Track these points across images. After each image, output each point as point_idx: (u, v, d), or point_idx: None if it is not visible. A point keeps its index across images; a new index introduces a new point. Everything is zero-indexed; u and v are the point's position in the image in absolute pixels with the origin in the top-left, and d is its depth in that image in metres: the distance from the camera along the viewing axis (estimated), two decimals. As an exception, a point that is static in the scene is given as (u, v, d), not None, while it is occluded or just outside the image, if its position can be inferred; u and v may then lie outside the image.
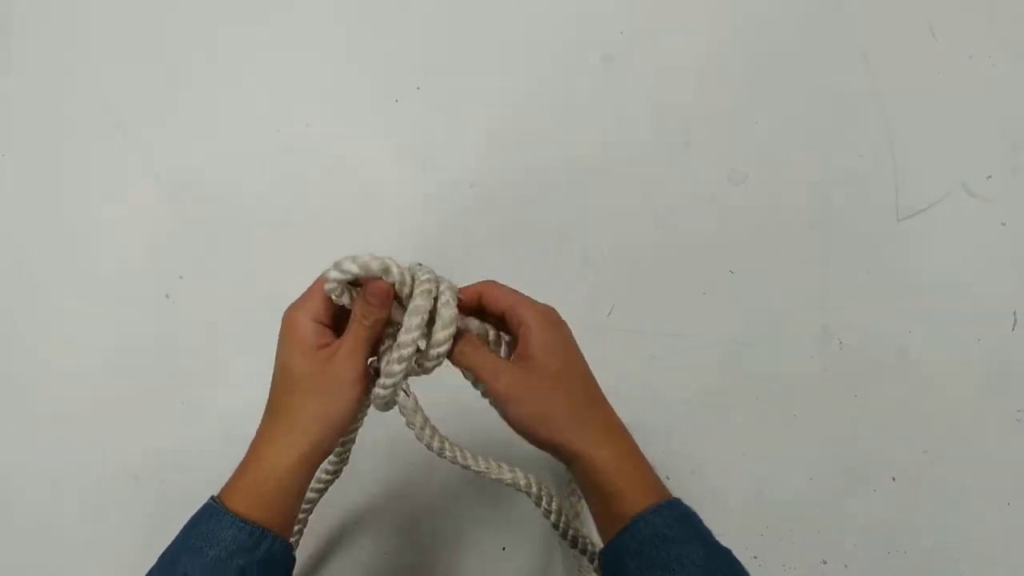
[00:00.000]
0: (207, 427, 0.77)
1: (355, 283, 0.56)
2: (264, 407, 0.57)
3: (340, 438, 0.59)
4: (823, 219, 0.81)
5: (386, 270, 0.55)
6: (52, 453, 0.77)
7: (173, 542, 0.54)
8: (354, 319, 0.56)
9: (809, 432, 0.77)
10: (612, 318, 0.80)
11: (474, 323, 0.60)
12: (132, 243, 0.83)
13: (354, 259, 0.54)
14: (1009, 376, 0.78)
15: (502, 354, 0.60)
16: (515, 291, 0.60)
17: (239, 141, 0.84)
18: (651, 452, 0.76)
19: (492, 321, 0.60)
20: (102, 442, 0.77)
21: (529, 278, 0.80)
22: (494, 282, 0.61)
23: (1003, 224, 0.81)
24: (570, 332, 0.60)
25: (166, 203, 0.83)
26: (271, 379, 0.56)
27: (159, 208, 0.83)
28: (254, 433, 0.56)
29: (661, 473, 0.76)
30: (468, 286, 0.60)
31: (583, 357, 0.60)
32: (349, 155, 0.84)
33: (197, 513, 0.54)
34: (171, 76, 0.86)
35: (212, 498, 0.54)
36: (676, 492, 0.75)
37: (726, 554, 0.55)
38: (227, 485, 0.55)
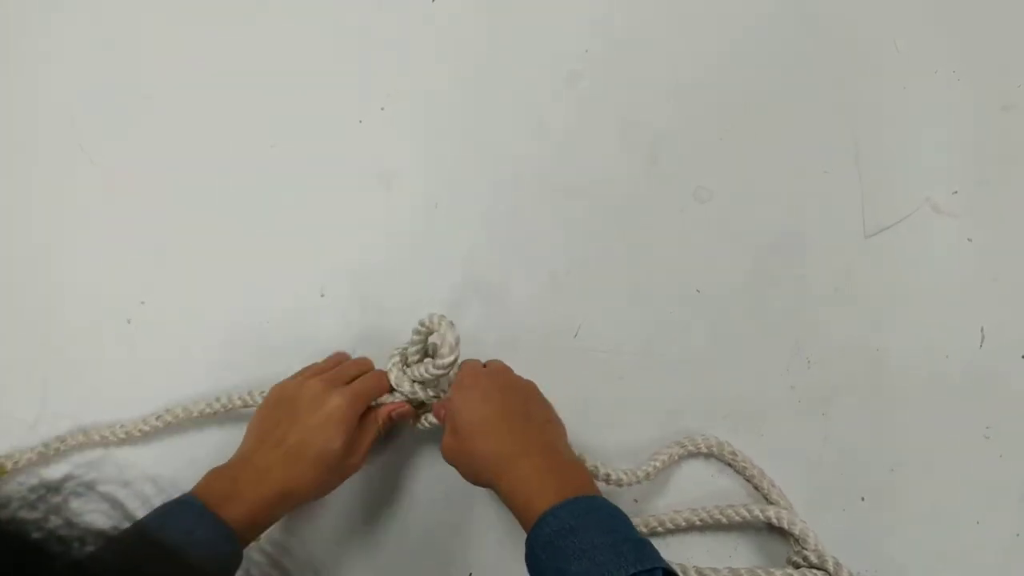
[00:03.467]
0: (181, 450, 0.77)
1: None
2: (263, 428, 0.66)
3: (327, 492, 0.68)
4: (790, 236, 0.81)
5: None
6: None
7: (148, 516, 0.56)
8: (379, 429, 0.70)
9: (778, 452, 0.77)
10: (579, 338, 0.79)
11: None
12: (93, 267, 0.82)
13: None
14: (978, 393, 0.77)
15: None
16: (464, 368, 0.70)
17: (203, 163, 0.84)
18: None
19: None
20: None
21: (496, 299, 0.80)
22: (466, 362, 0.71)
23: (969, 240, 0.81)
24: (489, 383, 0.67)
25: (128, 227, 0.82)
26: (297, 426, 0.65)
27: (121, 232, 0.82)
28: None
29: (628, 494, 0.76)
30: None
31: (506, 400, 0.66)
32: (313, 176, 0.83)
33: (174, 502, 0.58)
34: (134, 97, 0.85)
35: (188, 494, 0.59)
36: (644, 511, 0.75)
37: (637, 543, 0.56)
38: (212, 487, 0.60)
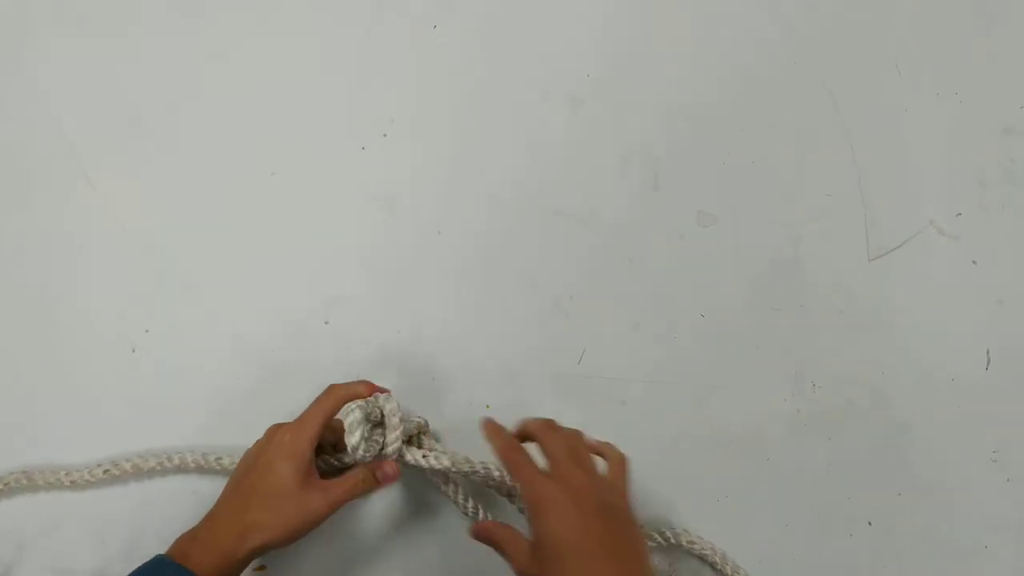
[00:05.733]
0: (172, 482, 0.77)
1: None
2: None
3: (295, 539, 0.65)
4: (793, 260, 0.81)
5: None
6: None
7: None
8: (357, 483, 0.68)
9: (783, 476, 0.77)
10: (583, 364, 0.79)
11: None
12: (97, 295, 0.82)
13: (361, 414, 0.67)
14: (984, 416, 0.77)
15: None
16: (527, 466, 0.61)
17: (204, 191, 0.84)
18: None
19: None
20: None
21: (499, 325, 0.80)
22: (514, 450, 0.63)
23: (974, 262, 0.80)
24: (588, 502, 0.59)
25: (132, 255, 0.82)
26: (249, 468, 0.66)
27: (125, 260, 0.82)
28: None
29: (634, 522, 0.76)
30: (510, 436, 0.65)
31: (604, 526, 0.58)
32: (315, 203, 0.83)
33: (146, 565, 0.60)
34: (135, 125, 0.85)
35: (160, 555, 0.60)
36: (649, 538, 0.74)
37: None
38: (178, 546, 0.62)
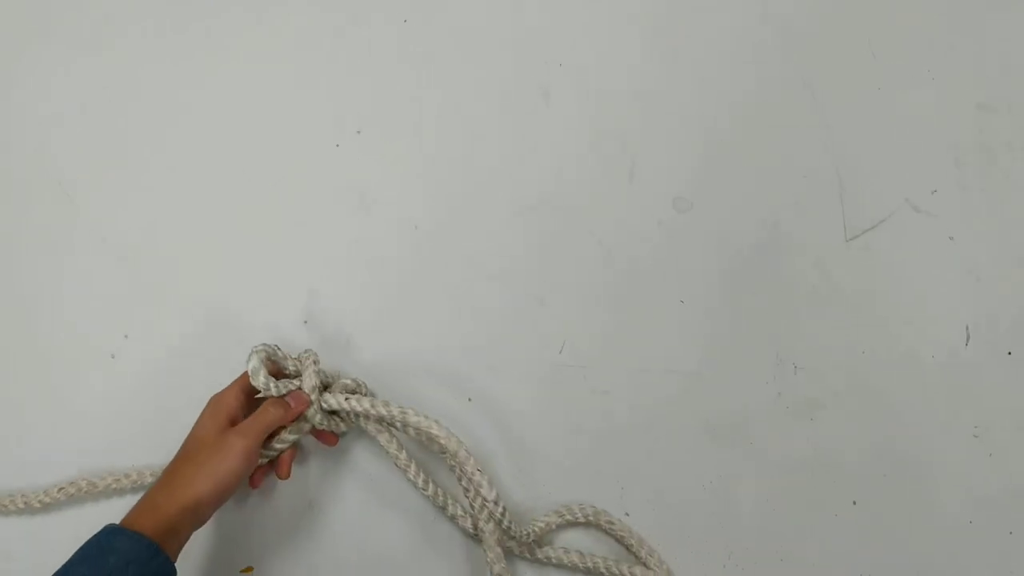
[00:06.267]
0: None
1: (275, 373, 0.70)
2: None
3: (225, 496, 0.66)
4: (771, 243, 0.81)
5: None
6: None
7: (68, 560, 0.60)
8: (264, 408, 0.69)
9: (767, 459, 0.77)
10: (564, 354, 0.79)
11: None
12: (77, 303, 0.81)
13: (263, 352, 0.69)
14: (965, 392, 0.77)
15: None
16: None
17: (181, 197, 0.84)
18: (609, 487, 0.76)
19: None
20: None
21: (479, 318, 0.80)
22: None
23: (951, 239, 0.80)
24: None
25: (111, 263, 0.82)
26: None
27: (104, 269, 0.82)
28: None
29: (619, 508, 0.76)
30: None
31: None
32: (291, 202, 0.83)
33: (94, 535, 0.62)
34: (110, 132, 0.85)
35: (110, 523, 0.62)
36: (636, 525, 0.75)
37: None
38: (123, 519, 0.63)
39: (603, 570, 0.73)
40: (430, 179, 0.83)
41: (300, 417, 0.71)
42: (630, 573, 0.72)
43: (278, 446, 0.71)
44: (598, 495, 0.76)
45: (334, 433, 0.74)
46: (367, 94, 0.86)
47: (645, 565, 0.74)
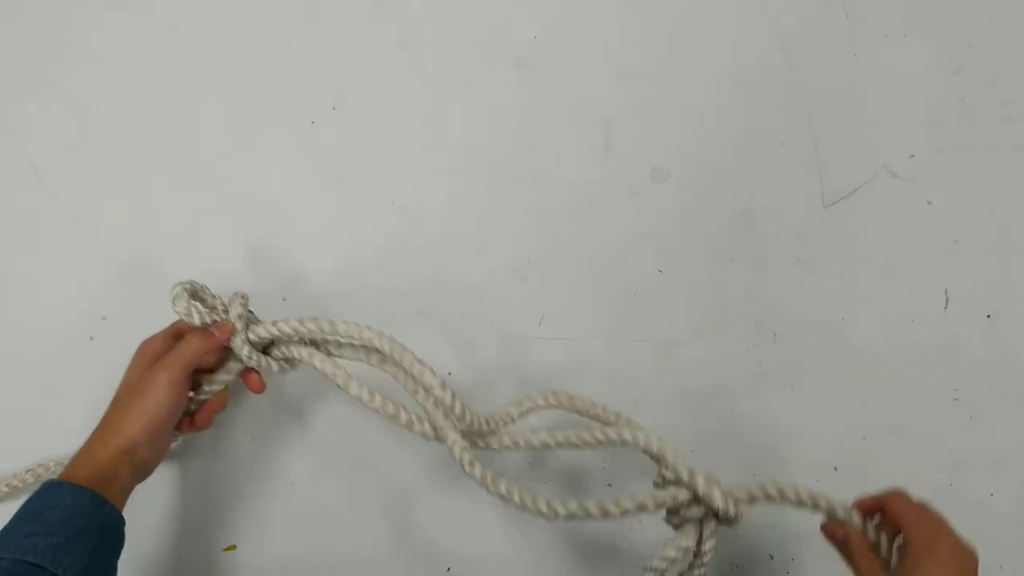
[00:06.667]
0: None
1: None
2: None
3: (159, 435, 0.65)
4: (749, 211, 0.81)
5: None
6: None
7: (10, 520, 0.59)
8: (186, 339, 0.67)
9: (749, 428, 0.77)
10: (544, 327, 0.79)
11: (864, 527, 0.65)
12: (54, 284, 0.81)
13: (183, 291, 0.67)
14: (944, 356, 0.77)
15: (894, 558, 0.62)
16: (920, 512, 0.61)
17: (155, 174, 0.83)
18: (593, 459, 0.76)
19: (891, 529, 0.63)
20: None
21: (457, 292, 0.80)
22: (900, 495, 0.63)
23: (929, 203, 0.80)
24: (957, 571, 0.58)
25: (86, 244, 0.82)
26: None
27: (79, 250, 0.82)
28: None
29: (602, 479, 0.76)
30: (871, 496, 0.64)
31: None
32: (267, 180, 0.83)
33: (34, 492, 0.60)
34: (82, 109, 0.84)
35: (47, 480, 0.61)
36: (621, 494, 0.75)
37: None
38: (62, 474, 0.62)
39: (575, 440, 0.69)
40: (405, 153, 0.83)
41: (229, 357, 0.69)
42: (604, 434, 0.68)
43: (208, 388, 0.69)
44: (580, 463, 0.76)
45: (260, 376, 0.71)
46: (341, 71, 0.85)
47: (615, 424, 0.70)
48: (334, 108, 0.84)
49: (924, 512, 0.61)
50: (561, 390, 0.72)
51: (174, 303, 0.66)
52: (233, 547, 0.75)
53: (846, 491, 0.74)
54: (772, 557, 0.74)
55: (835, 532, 0.65)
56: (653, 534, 0.74)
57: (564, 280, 0.80)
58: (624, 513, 0.65)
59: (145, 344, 0.68)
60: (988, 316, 0.78)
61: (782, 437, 0.77)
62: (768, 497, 0.66)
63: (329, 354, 0.70)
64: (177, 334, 0.69)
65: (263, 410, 0.78)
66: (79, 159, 0.83)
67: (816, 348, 0.78)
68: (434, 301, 0.80)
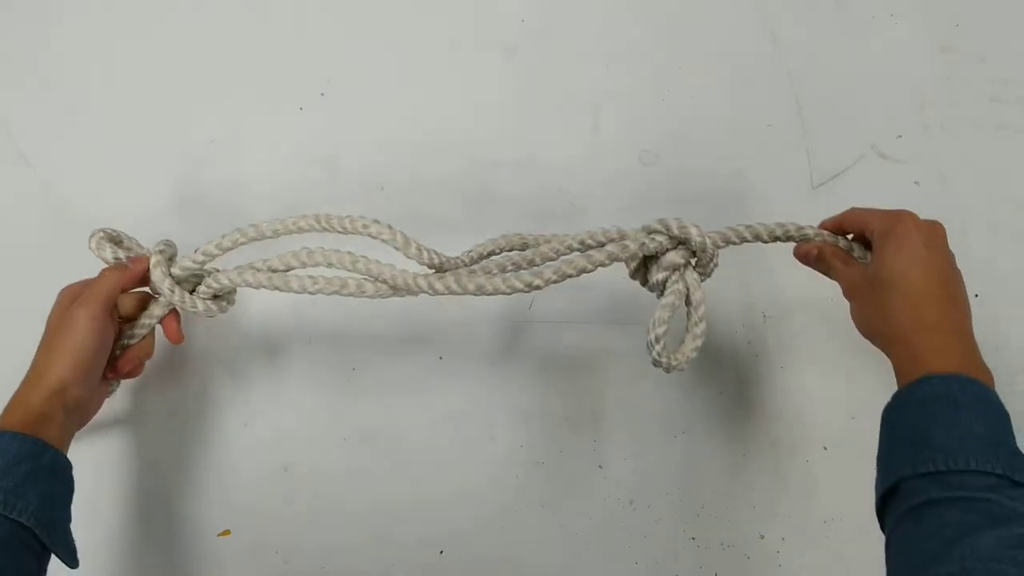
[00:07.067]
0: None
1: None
2: None
3: (87, 373, 0.64)
4: (738, 193, 0.81)
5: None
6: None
7: None
8: (101, 273, 0.67)
9: (738, 408, 0.77)
10: (534, 310, 0.79)
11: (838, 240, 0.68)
12: (42, 274, 0.81)
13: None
14: (933, 335, 0.78)
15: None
16: (878, 210, 0.65)
17: (144, 163, 0.83)
18: (582, 438, 0.77)
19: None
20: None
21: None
22: (856, 207, 0.68)
23: (916, 183, 0.81)
24: (941, 253, 0.62)
25: (71, 229, 0.81)
26: None
27: (64, 234, 0.81)
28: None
29: (592, 462, 0.76)
30: (831, 218, 0.68)
31: (950, 275, 0.62)
32: (256, 166, 0.83)
33: None
34: (67, 98, 0.84)
35: None
36: (611, 476, 0.75)
37: (1014, 452, 0.54)
38: None
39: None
40: (394, 140, 0.83)
41: (152, 303, 0.69)
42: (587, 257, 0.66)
43: (131, 332, 0.69)
44: (570, 444, 0.76)
45: (179, 323, 0.70)
46: (330, 58, 0.85)
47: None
48: (322, 94, 0.84)
49: (882, 210, 0.65)
50: (527, 233, 0.70)
51: (89, 241, 0.67)
52: (227, 532, 0.75)
53: (835, 470, 0.75)
54: (762, 536, 0.75)
55: (808, 251, 0.68)
56: (646, 518, 0.75)
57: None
58: (599, 263, 0.66)
59: (65, 288, 0.68)
60: (976, 296, 0.78)
61: (771, 417, 0.77)
62: (742, 239, 0.67)
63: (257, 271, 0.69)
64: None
65: (254, 394, 0.78)
66: (69, 144, 0.83)
67: (804, 329, 0.78)
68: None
